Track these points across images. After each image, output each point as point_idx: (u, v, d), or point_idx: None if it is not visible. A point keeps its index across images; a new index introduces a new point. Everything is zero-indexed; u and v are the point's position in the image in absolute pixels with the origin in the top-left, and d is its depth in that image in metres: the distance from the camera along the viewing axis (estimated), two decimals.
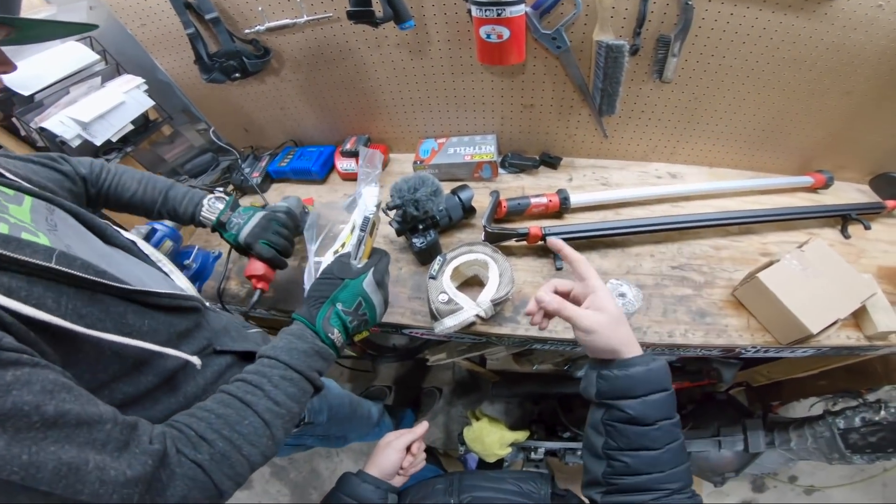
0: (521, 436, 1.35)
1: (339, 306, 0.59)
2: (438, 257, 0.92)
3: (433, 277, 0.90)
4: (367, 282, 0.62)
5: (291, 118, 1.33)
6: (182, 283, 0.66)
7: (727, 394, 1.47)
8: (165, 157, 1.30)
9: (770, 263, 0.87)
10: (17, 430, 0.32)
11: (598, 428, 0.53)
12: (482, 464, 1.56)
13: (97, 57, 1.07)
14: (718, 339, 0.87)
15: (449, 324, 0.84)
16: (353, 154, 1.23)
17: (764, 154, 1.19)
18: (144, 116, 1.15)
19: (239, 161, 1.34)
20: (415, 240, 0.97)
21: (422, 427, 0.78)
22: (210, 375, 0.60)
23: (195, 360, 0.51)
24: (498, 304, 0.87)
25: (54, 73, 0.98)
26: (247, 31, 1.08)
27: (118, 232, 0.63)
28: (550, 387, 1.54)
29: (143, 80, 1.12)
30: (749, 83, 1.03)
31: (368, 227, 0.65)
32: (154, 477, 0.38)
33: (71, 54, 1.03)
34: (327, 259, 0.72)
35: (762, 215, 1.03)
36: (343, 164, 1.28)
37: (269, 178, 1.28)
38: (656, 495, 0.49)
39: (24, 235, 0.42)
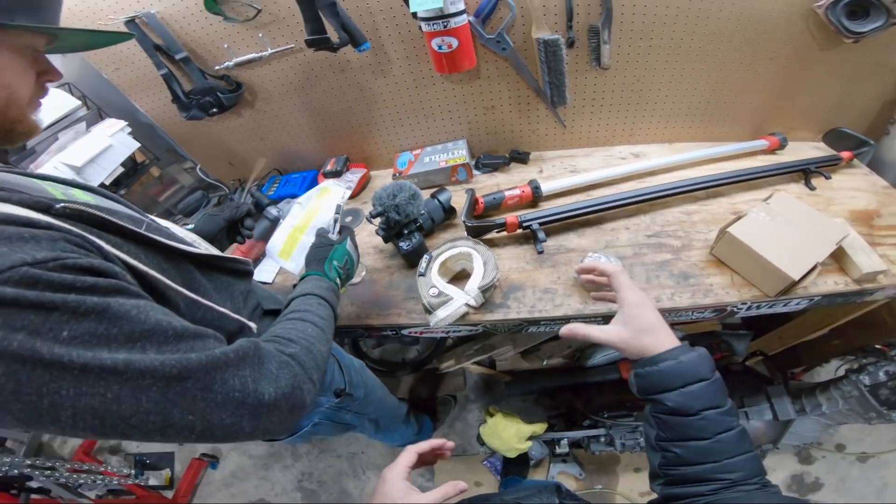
0: (538, 428, 1.35)
1: (335, 263, 0.78)
2: (425, 256, 0.97)
3: (422, 275, 0.94)
4: (349, 244, 0.82)
5: (272, 147, 1.39)
6: None
7: (743, 364, 1.47)
8: (158, 199, 1.35)
9: (738, 218, 0.90)
10: (161, 343, 0.40)
11: (649, 420, 0.54)
12: (507, 463, 1.54)
13: (78, 103, 1.11)
14: (706, 298, 0.89)
15: (441, 315, 0.88)
16: (336, 174, 1.29)
17: (716, 125, 1.26)
18: (132, 159, 1.20)
19: (229, 196, 1.39)
20: (401, 244, 1.02)
21: (422, 445, 0.65)
22: (261, 332, 0.69)
23: (252, 325, 0.62)
24: (486, 290, 0.91)
25: (43, 119, 1.02)
26: (217, 67, 1.15)
27: (155, 220, 0.70)
28: (563, 379, 1.55)
29: (126, 123, 1.17)
30: (682, 60, 1.10)
31: (341, 212, 0.87)
32: (266, 358, 0.48)
33: (53, 101, 1.07)
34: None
35: (725, 178, 1.09)
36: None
37: (259, 208, 1.32)
38: (715, 486, 0.47)
39: (116, 207, 0.54)
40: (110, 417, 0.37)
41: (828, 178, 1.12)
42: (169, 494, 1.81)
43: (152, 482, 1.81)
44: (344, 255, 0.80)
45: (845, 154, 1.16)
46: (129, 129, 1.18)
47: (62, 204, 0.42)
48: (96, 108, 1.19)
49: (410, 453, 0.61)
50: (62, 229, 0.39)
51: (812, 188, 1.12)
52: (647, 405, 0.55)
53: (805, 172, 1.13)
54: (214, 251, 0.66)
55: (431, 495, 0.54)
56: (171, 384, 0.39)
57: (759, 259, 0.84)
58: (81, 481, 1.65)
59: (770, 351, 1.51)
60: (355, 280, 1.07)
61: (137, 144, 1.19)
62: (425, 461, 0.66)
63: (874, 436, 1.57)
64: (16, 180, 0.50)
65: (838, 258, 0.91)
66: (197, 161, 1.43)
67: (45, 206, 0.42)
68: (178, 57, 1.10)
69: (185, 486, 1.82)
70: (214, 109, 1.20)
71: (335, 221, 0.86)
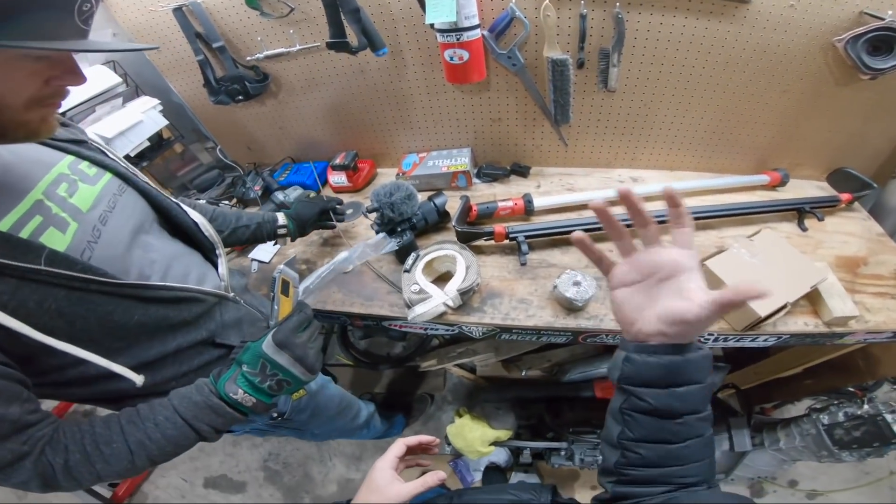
0: (502, 434, 1.38)
1: (245, 368, 0.59)
2: (413, 254, 1.02)
3: (407, 271, 1.00)
4: (266, 344, 0.60)
5: (289, 137, 1.46)
6: (222, 270, 0.74)
7: (712, 395, 1.50)
8: (177, 174, 1.44)
9: (719, 252, 0.93)
10: None
11: (615, 416, 0.49)
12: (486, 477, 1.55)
13: (119, 80, 1.20)
14: None
15: (419, 310, 0.93)
16: (344, 167, 1.35)
17: (720, 156, 1.27)
18: (159, 135, 1.29)
19: (243, 177, 1.47)
20: (392, 239, 1.07)
21: (412, 439, 0.66)
22: (195, 364, 0.67)
23: (134, 378, 0.57)
24: (464, 293, 0.95)
25: (82, 93, 1.11)
26: (248, 58, 1.23)
27: (185, 213, 0.73)
28: (538, 391, 1.58)
29: (159, 102, 1.26)
30: (690, 88, 1.11)
31: (278, 286, 0.66)
32: (12, 465, 0.48)
33: (97, 77, 1.16)
34: None
35: (716, 210, 1.10)
36: (334, 177, 1.39)
37: (268, 192, 1.41)
38: (668, 488, 0.45)
39: (24, 233, 0.49)
40: None
41: (820, 219, 1.11)
42: None
43: None
44: (258, 359, 0.59)
45: (844, 196, 1.14)
46: (160, 108, 1.27)
47: None
48: (134, 86, 1.28)
49: (399, 445, 0.63)
50: None
51: (804, 229, 1.11)
52: (616, 399, 0.49)
53: (799, 212, 1.12)
54: (140, 281, 0.58)
55: (413, 484, 0.57)
56: None
57: None
58: None
59: (744, 385, 1.51)
60: (346, 269, 0.96)
61: (166, 122, 1.27)
62: (414, 454, 0.67)
63: (828, 475, 1.59)
64: (18, 162, 0.52)
65: (813, 300, 0.92)
66: (218, 142, 1.52)
67: None
68: (215, 45, 1.18)
69: None
70: (240, 97, 1.27)
71: (272, 302, 0.65)
